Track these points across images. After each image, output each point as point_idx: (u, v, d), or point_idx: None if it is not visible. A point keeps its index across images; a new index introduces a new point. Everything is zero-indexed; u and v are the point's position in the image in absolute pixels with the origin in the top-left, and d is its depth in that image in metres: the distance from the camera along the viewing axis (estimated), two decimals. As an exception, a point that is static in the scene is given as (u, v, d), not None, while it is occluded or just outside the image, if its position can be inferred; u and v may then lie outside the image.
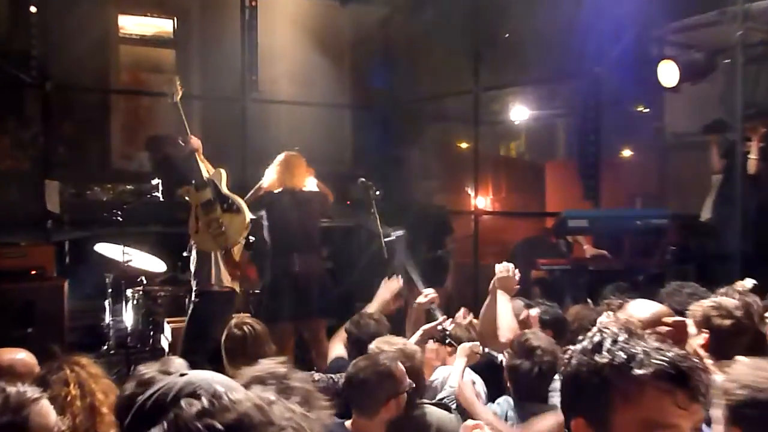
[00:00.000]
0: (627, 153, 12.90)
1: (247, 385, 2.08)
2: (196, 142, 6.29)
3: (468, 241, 9.77)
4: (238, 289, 6.44)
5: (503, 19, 10.42)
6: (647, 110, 11.75)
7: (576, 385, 1.72)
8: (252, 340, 4.25)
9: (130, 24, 11.76)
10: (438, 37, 11.29)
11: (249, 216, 6.18)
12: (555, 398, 3.64)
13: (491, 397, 4.14)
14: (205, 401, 1.37)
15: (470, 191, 11.24)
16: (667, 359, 1.64)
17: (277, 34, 10.17)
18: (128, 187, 9.64)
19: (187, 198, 6.31)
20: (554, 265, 6.84)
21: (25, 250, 7.23)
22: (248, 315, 4.73)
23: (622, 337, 1.71)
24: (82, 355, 3.11)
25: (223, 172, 6.38)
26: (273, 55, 10.05)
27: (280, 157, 6.82)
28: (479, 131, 9.93)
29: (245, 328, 4.30)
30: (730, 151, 6.91)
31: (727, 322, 3.31)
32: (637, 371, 1.62)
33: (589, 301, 6.19)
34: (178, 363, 2.69)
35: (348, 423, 3.51)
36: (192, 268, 6.42)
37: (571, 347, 1.77)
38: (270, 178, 6.67)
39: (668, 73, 6.84)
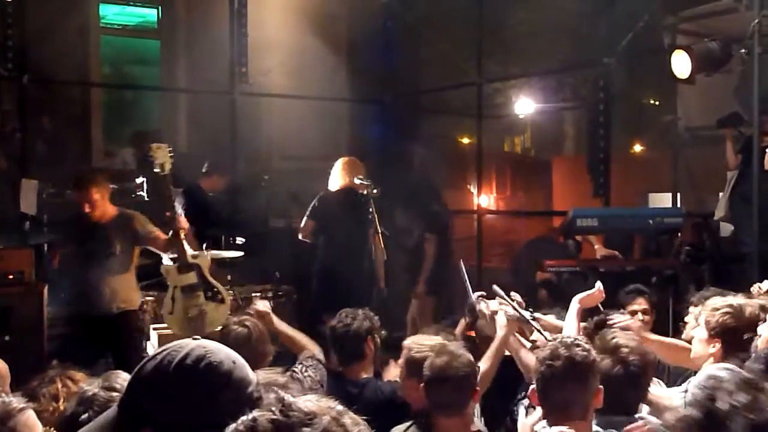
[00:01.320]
0: (638, 148, 12.96)
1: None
2: (183, 222, 6.19)
3: (471, 242, 9.79)
4: None
5: (508, 7, 10.45)
6: (658, 103, 11.80)
7: None
8: (257, 337, 4.30)
9: (112, 13, 11.77)
10: (440, 25, 11.32)
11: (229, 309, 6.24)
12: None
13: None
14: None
15: (473, 189, 11.27)
16: None
17: (268, 23, 10.17)
18: (112, 186, 9.63)
19: (164, 275, 6.31)
20: (562, 267, 6.84)
21: (1, 253, 7.22)
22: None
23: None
24: (77, 371, 3.13)
25: (208, 256, 6.36)
26: (264, 44, 10.05)
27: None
28: (482, 125, 9.92)
29: (248, 324, 4.34)
30: (746, 146, 6.93)
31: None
32: None
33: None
34: (123, 377, 2.65)
35: None
36: None
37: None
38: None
39: (681, 64, 6.85)
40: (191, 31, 11.28)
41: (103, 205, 6.39)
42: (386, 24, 10.81)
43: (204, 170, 8.40)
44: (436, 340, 4.05)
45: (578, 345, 3.00)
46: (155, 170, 5.96)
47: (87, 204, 6.29)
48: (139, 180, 8.04)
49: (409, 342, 4.07)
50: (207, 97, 10.57)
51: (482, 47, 9.68)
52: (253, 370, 1.77)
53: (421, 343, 4.01)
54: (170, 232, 6.09)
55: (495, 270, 10.08)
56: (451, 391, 3.58)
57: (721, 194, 7.48)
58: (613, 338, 3.40)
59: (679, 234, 6.93)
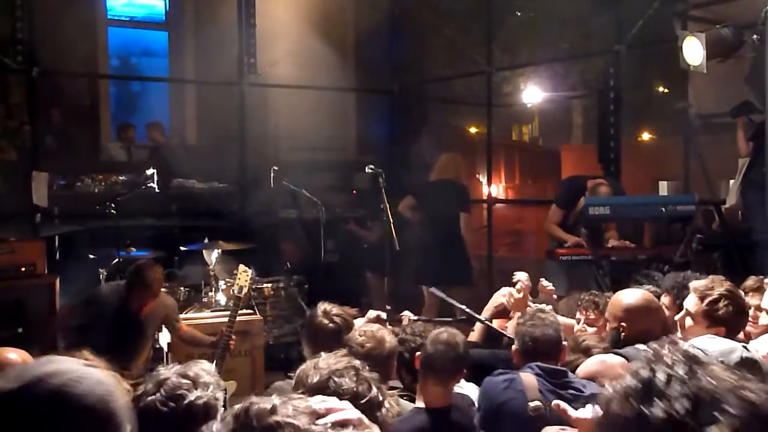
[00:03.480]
0: (648, 136, 12.91)
1: (328, 377, 2.30)
2: (233, 343, 5.90)
3: (480, 231, 9.77)
4: None
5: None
6: (669, 90, 11.75)
7: None
8: (345, 331, 4.08)
9: (119, 5, 11.78)
10: (447, 14, 11.28)
11: None
12: None
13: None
14: None
15: (482, 178, 11.25)
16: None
17: (276, 14, 10.16)
18: (121, 178, 9.66)
19: None
20: (573, 255, 6.83)
21: (13, 246, 7.22)
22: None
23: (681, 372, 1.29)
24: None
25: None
26: (272, 35, 10.04)
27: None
28: (492, 114, 9.88)
29: (337, 320, 4.15)
30: (757, 132, 6.89)
31: None
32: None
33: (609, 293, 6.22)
34: (200, 367, 2.65)
35: None
36: None
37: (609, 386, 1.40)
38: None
39: (693, 51, 6.80)
40: (199, 22, 11.28)
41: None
42: (393, 13, 10.78)
43: None
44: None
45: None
46: (234, 290, 5.91)
47: (142, 306, 5.98)
48: (149, 171, 8.02)
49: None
50: (215, 88, 10.57)
51: (491, 36, 9.63)
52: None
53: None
54: (218, 345, 5.81)
55: (504, 259, 10.07)
56: None
57: (732, 181, 7.42)
58: (584, 340, 4.06)
59: (692, 222, 6.90)
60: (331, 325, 4.10)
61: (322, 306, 4.22)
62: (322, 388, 2.30)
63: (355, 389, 2.31)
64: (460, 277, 7.88)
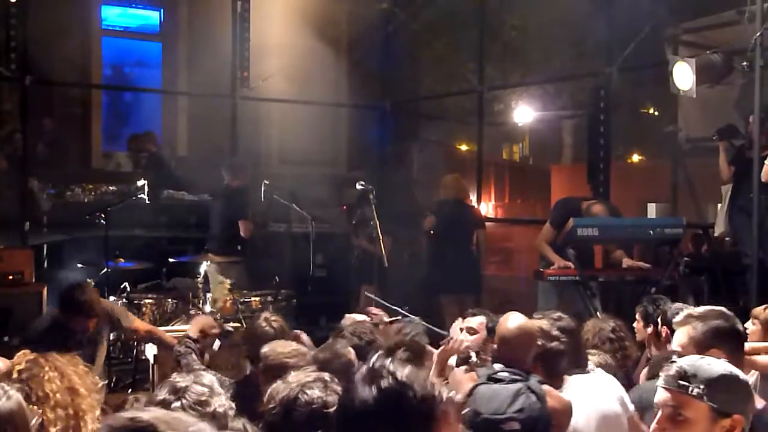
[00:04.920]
0: (637, 157, 13.00)
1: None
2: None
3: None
4: None
5: (510, 16, 10.48)
6: (658, 113, 11.84)
7: None
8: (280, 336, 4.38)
9: (114, 15, 11.79)
10: (440, 32, 11.34)
11: None
12: None
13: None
14: None
15: (472, 197, 11.29)
16: None
17: (270, 28, 10.19)
18: (111, 188, 9.65)
19: None
20: (562, 276, 6.85)
21: (1, 254, 7.23)
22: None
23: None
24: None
25: None
26: (266, 49, 10.07)
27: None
28: (483, 132, 9.93)
29: (275, 325, 4.49)
30: (738, 157, 6.95)
31: None
32: None
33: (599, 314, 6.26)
34: (209, 377, 2.78)
35: None
36: None
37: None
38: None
39: (683, 76, 6.87)
40: (193, 34, 11.31)
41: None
42: (386, 30, 10.84)
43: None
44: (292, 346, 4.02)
45: None
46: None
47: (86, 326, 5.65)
48: (140, 182, 8.03)
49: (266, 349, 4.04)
50: (208, 101, 10.58)
51: (484, 54, 9.69)
52: None
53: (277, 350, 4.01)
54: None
55: (494, 277, 10.08)
56: None
57: (719, 206, 7.46)
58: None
59: (679, 244, 6.94)
60: (271, 330, 4.43)
61: (264, 314, 4.68)
62: (293, 400, 2.42)
63: (324, 399, 2.42)
64: (472, 287, 8.52)
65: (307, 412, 2.36)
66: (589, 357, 4.13)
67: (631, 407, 3.73)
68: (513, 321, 3.82)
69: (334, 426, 2.27)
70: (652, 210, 9.17)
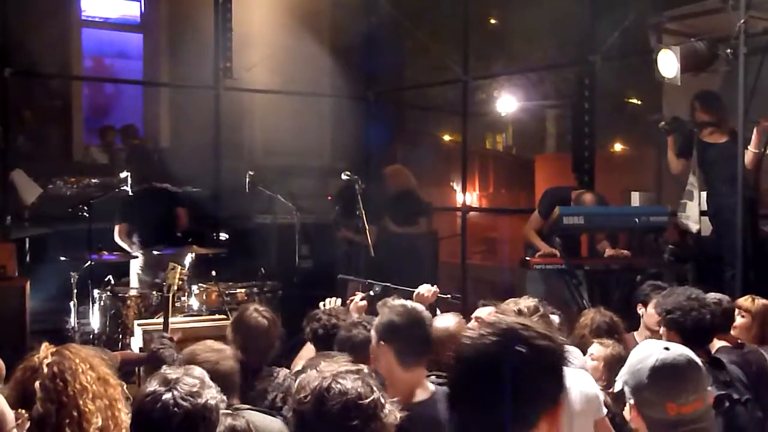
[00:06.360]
0: (621, 146, 13.05)
1: (332, 380, 2.39)
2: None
3: (454, 239, 9.80)
4: None
5: (494, 5, 10.46)
6: (642, 102, 11.88)
7: None
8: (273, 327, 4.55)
9: (94, 6, 11.69)
10: (424, 22, 11.31)
11: None
12: None
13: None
14: None
15: (456, 186, 11.30)
16: None
17: (253, 18, 10.15)
18: (93, 180, 9.59)
19: None
20: (548, 264, 6.86)
21: (-17, 248, 7.17)
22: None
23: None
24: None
25: None
26: (248, 40, 10.01)
27: None
28: (467, 123, 9.92)
29: (267, 315, 4.57)
30: (684, 147, 7.01)
31: None
32: None
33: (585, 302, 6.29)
34: (199, 371, 2.78)
35: None
36: None
37: None
38: None
39: (667, 64, 6.87)
40: (174, 24, 11.23)
41: None
42: (370, 20, 10.80)
43: None
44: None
45: None
46: (164, 289, 5.72)
47: None
48: (123, 174, 7.96)
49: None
50: (190, 92, 10.52)
51: (468, 44, 9.67)
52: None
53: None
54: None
55: (478, 267, 10.11)
56: None
57: (688, 204, 7.33)
58: None
59: (664, 233, 6.97)
60: (264, 321, 4.52)
61: (252, 305, 4.73)
62: (327, 390, 2.38)
63: (358, 390, 2.38)
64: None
65: (341, 402, 2.33)
66: (596, 347, 4.15)
67: (603, 410, 3.43)
68: (441, 322, 3.94)
69: (369, 417, 2.31)
70: (635, 199, 9.20)
